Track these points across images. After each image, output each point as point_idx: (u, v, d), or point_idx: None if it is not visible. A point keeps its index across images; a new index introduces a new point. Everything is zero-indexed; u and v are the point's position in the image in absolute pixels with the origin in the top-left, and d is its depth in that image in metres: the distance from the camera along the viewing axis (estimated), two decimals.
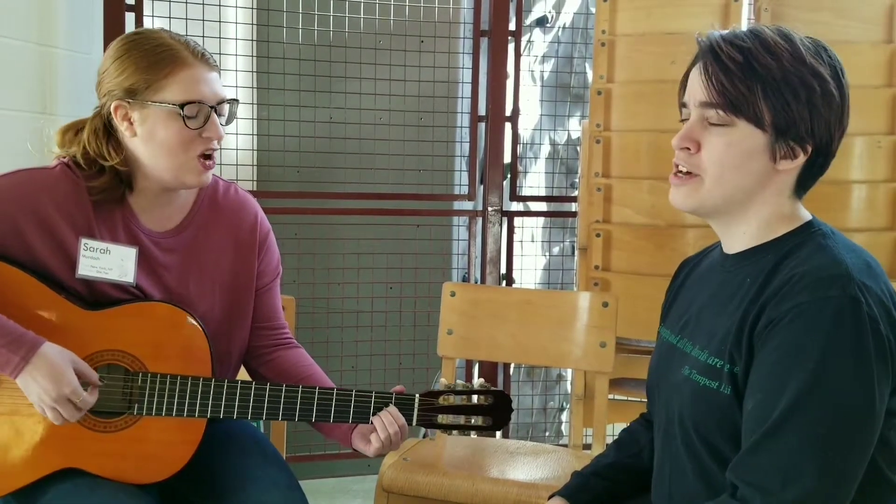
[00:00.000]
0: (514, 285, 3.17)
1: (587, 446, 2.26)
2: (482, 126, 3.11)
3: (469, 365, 3.08)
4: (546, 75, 3.39)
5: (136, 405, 1.44)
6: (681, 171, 1.23)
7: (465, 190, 3.18)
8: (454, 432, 1.51)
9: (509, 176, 3.16)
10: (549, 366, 3.27)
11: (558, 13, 3.40)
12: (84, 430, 1.43)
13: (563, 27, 3.40)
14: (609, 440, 1.79)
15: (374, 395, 1.47)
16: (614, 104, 2.62)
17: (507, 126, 3.10)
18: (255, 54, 3.02)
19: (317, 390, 1.46)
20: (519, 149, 3.20)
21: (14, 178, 1.45)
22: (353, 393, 1.47)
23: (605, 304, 2.14)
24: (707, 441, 1.20)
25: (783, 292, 1.12)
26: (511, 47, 3.08)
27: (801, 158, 1.17)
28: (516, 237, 3.19)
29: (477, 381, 1.53)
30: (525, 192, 3.39)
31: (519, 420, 3.38)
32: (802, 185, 1.22)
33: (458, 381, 1.53)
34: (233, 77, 2.91)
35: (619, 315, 2.13)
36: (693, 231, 2.46)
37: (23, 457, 1.42)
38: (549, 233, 3.47)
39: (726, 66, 1.16)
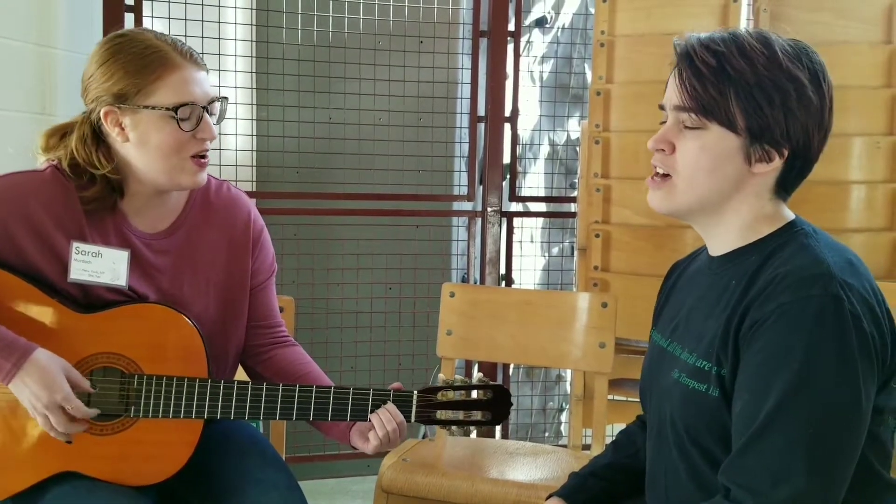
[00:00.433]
0: (513, 286, 3.17)
1: (586, 447, 2.26)
2: (481, 126, 3.11)
3: (468, 365, 3.08)
4: (545, 76, 3.39)
5: (133, 407, 1.43)
6: (657, 174, 1.24)
7: (464, 190, 3.18)
8: (454, 428, 1.50)
9: (508, 176, 3.17)
10: (548, 366, 3.27)
11: (557, 14, 3.40)
12: (81, 434, 1.42)
13: (563, 28, 3.40)
14: (608, 441, 1.79)
15: (371, 392, 1.47)
16: (613, 105, 2.62)
17: (507, 126, 3.10)
18: (254, 55, 3.02)
19: (314, 389, 1.46)
20: (518, 149, 3.20)
21: (3, 181, 1.44)
22: (351, 391, 1.46)
23: (605, 305, 2.14)
24: (698, 443, 1.20)
25: (766, 293, 1.12)
26: (510, 48, 3.08)
27: (778, 162, 1.18)
28: (515, 238, 3.19)
29: (476, 376, 1.52)
30: (524, 192, 3.39)
31: (518, 420, 3.39)
32: (784, 187, 1.22)
33: (457, 377, 1.53)
34: (232, 77, 2.91)
35: (618, 315, 2.13)
36: (692, 232, 2.44)
37: (21, 460, 1.42)
38: (549, 233, 3.47)
39: (699, 71, 1.16)
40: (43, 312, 1.42)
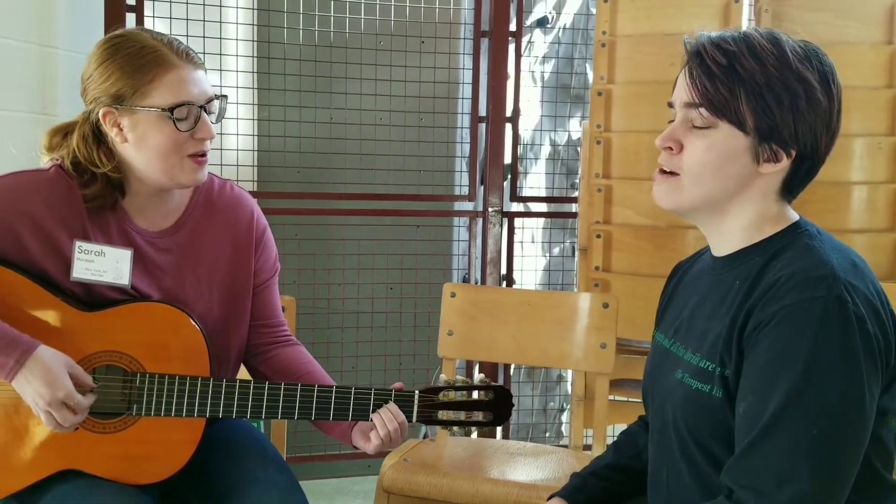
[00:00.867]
0: (514, 286, 3.17)
1: (587, 447, 2.26)
2: (482, 127, 3.11)
3: (469, 366, 3.08)
4: (546, 76, 3.39)
5: (135, 406, 1.44)
6: (664, 171, 1.24)
7: (465, 190, 3.18)
8: (455, 429, 1.50)
9: (510, 176, 3.16)
10: (549, 367, 3.27)
11: (559, 14, 3.39)
12: (83, 432, 1.42)
13: (564, 28, 3.40)
14: (609, 441, 1.79)
15: (373, 391, 1.47)
16: (615, 105, 2.62)
17: (508, 127, 3.10)
18: (255, 55, 3.02)
19: (316, 388, 1.46)
20: (519, 149, 3.20)
21: (7, 180, 1.44)
22: (353, 390, 1.46)
23: (606, 305, 2.14)
24: (701, 444, 1.20)
25: (770, 295, 1.12)
26: (511, 48, 3.08)
27: (786, 162, 1.17)
28: (517, 238, 3.19)
29: (477, 377, 1.52)
30: (525, 192, 3.38)
31: (519, 421, 3.38)
32: (789, 188, 1.21)
33: (458, 377, 1.53)
34: (233, 77, 2.91)
35: (619, 316, 2.13)
36: (693, 232, 2.46)
37: (22, 458, 1.42)
38: (550, 233, 3.47)
39: (710, 69, 1.16)
40: (46, 310, 1.42)
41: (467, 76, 3.14)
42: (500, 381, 3.12)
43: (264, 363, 1.64)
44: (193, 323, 1.47)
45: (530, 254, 3.33)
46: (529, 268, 3.29)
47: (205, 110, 1.45)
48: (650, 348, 1.43)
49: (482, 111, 3.10)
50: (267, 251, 1.63)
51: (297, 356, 1.64)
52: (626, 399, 2.54)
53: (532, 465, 2.07)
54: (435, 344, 2.24)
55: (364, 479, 3.11)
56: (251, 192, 1.67)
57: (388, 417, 1.45)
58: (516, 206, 3.25)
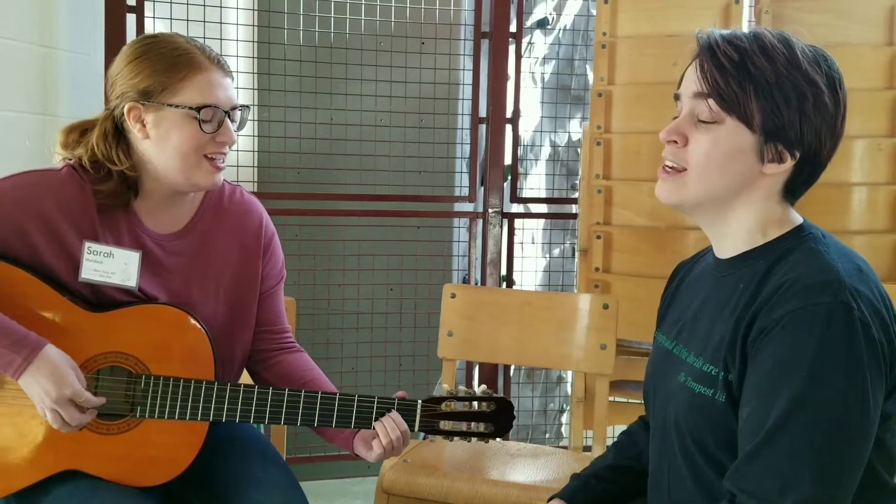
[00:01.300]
0: (514, 287, 3.17)
1: (587, 448, 2.26)
2: (483, 128, 3.11)
3: (469, 367, 3.08)
4: (547, 77, 3.39)
5: (139, 407, 1.44)
6: (668, 167, 1.23)
7: (465, 191, 3.18)
8: (455, 439, 1.51)
9: (510, 177, 3.16)
10: (549, 368, 3.27)
11: (559, 15, 3.40)
12: (86, 432, 1.43)
13: (564, 29, 3.40)
14: (609, 442, 1.79)
15: (376, 400, 1.47)
16: (615, 106, 2.62)
17: (508, 128, 3.10)
18: (255, 55, 3.02)
19: (319, 395, 1.46)
20: (519, 150, 3.19)
21: (19, 179, 1.45)
22: (356, 398, 1.47)
23: (606, 306, 2.14)
24: (703, 448, 1.20)
25: (775, 299, 1.11)
26: (512, 49, 3.08)
27: (789, 163, 1.17)
28: (517, 239, 3.18)
29: (479, 388, 1.53)
30: (525, 193, 3.39)
31: (519, 422, 3.38)
32: (792, 191, 1.21)
33: (461, 388, 1.53)
34: (233, 78, 2.91)
35: (619, 317, 2.13)
36: (694, 233, 2.46)
37: (24, 458, 1.43)
38: (550, 234, 3.47)
39: (721, 64, 1.16)
40: (53, 310, 1.43)
41: (467, 77, 3.14)
42: (500, 382, 3.12)
43: (267, 369, 1.64)
44: (200, 326, 1.47)
45: (530, 255, 3.33)
46: (529, 269, 3.29)
47: (229, 117, 1.46)
48: (651, 350, 1.42)
49: (482, 112, 3.10)
50: (274, 258, 1.64)
51: (300, 363, 1.65)
52: (626, 400, 2.54)
53: (532, 467, 2.07)
54: (435, 345, 2.24)
55: (364, 479, 3.11)
56: (251, 193, 1.68)
57: (390, 426, 1.45)
58: (516, 207, 3.25)
